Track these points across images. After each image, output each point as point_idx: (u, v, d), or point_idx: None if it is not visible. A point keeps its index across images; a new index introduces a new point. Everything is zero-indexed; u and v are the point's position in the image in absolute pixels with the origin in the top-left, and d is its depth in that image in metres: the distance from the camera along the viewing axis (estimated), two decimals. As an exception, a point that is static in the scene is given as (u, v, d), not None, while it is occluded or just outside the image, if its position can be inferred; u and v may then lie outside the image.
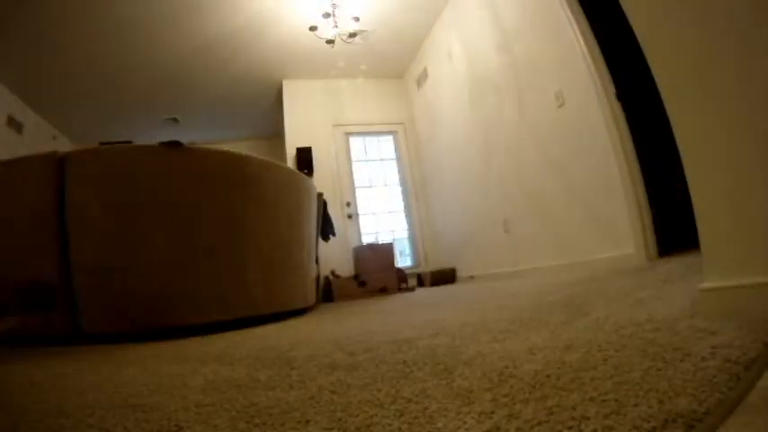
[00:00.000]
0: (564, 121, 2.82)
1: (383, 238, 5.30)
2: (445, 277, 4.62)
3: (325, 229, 3.78)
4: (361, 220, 5.31)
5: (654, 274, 1.63)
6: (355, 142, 5.56)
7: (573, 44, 2.60)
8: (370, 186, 5.55)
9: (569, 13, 2.60)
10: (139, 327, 1.79)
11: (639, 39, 0.89)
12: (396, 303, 2.69)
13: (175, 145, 1.97)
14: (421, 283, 4.86)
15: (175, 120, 6.12)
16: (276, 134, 6.27)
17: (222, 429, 0.56)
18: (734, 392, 0.48)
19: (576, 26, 2.57)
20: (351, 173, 5.41)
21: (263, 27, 4.36)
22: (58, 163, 1.83)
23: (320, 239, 3.55)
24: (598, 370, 0.60)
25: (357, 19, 4.07)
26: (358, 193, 5.40)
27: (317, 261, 3.30)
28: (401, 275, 4.63)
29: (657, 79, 0.86)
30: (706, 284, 0.81)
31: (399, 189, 5.59)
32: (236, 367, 0.96)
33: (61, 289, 1.75)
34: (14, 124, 4.65)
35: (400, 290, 4.41)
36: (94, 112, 5.52)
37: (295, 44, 4.69)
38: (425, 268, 5.09)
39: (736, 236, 0.75)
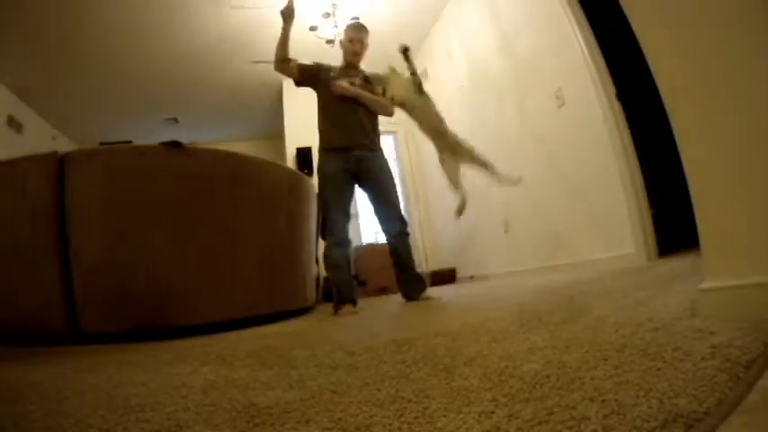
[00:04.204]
0: (564, 121, 2.82)
1: (383, 238, 5.28)
2: (445, 277, 4.62)
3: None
4: (361, 220, 5.31)
5: (654, 273, 1.63)
6: (355, 142, 5.56)
7: (573, 44, 2.60)
8: (370, 186, 5.54)
9: (569, 12, 2.60)
10: (139, 327, 1.79)
11: (639, 39, 0.89)
12: (395, 303, 2.69)
13: (175, 145, 1.97)
14: (421, 283, 4.85)
15: (175, 120, 6.12)
16: (276, 134, 6.26)
17: (222, 429, 0.56)
18: (734, 392, 0.48)
19: (576, 26, 2.57)
20: (351, 173, 5.40)
21: (263, 27, 4.36)
22: (58, 163, 1.83)
23: (320, 239, 3.54)
24: (598, 370, 0.60)
25: (357, 19, 4.06)
26: (358, 192, 5.38)
27: (316, 261, 3.30)
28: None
29: (657, 79, 0.86)
30: (706, 284, 0.81)
31: (399, 189, 5.58)
32: (236, 367, 0.96)
33: (61, 288, 1.76)
34: (14, 124, 4.65)
35: (400, 290, 4.40)
36: (94, 112, 5.52)
37: (295, 44, 4.67)
38: (425, 268, 5.09)
39: (736, 236, 0.75)
